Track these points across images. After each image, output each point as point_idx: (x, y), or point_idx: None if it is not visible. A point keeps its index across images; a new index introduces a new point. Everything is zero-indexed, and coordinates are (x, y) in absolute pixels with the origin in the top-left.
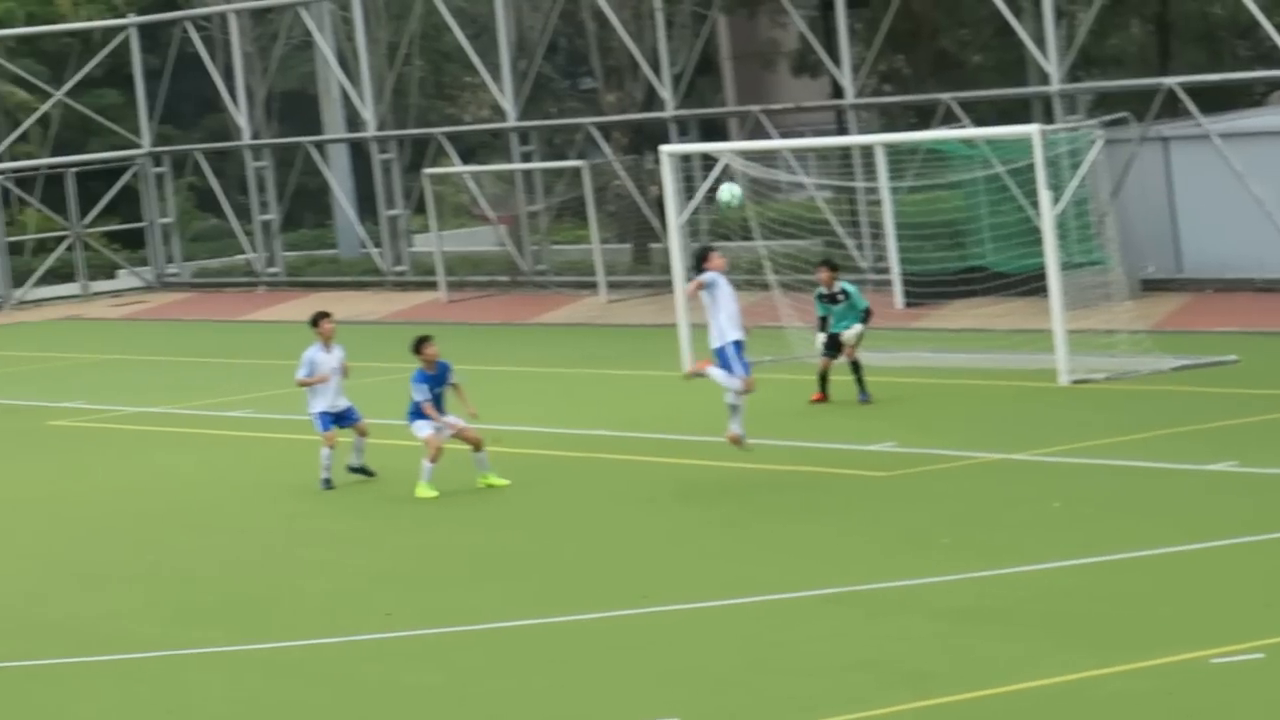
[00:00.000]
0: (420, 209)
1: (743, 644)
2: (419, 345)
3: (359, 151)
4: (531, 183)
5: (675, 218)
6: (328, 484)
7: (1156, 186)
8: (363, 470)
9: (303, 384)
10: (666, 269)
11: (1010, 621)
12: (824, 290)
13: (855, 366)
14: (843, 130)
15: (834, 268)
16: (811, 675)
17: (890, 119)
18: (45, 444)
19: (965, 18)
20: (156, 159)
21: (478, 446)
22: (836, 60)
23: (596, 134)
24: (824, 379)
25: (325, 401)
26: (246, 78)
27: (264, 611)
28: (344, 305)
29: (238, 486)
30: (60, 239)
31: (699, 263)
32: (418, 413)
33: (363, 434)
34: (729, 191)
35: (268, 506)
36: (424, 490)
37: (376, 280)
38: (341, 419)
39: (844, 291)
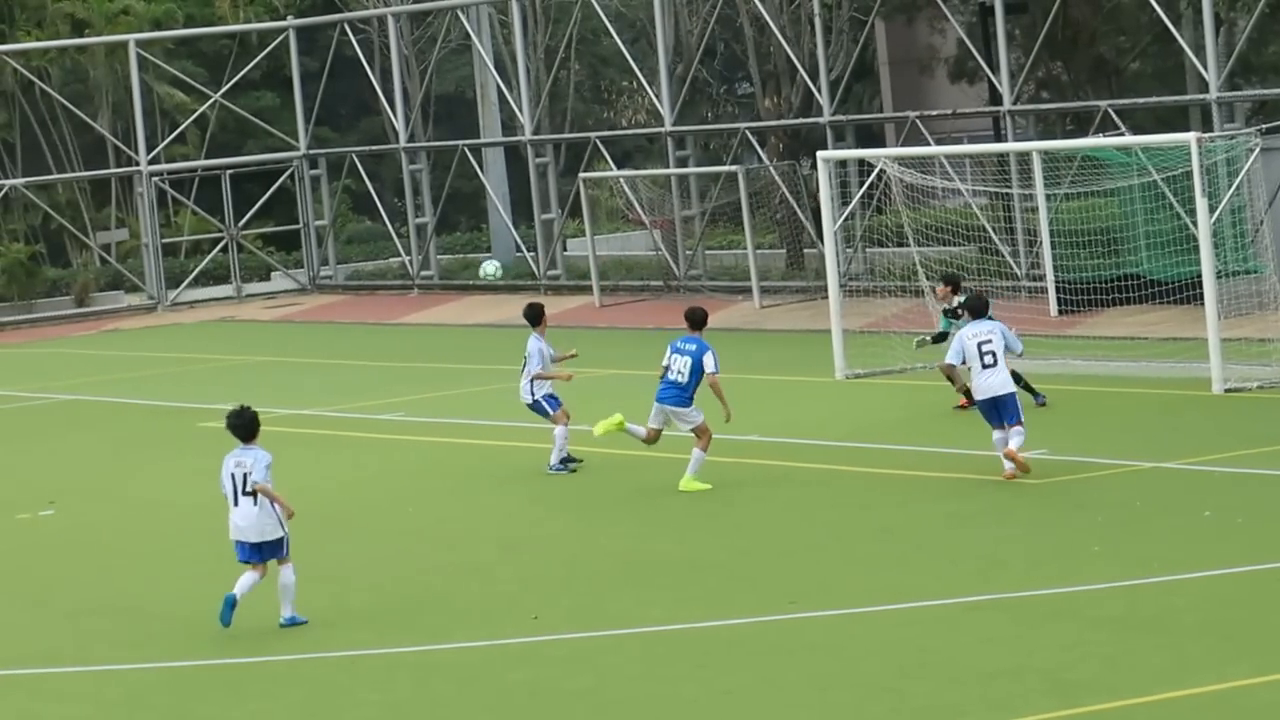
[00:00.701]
0: (575, 213)
1: (890, 650)
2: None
3: (515, 155)
4: (686, 187)
5: (830, 223)
6: (565, 465)
7: None
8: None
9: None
10: (820, 274)
11: (1160, 630)
12: (946, 305)
13: (1015, 377)
14: (1000, 137)
15: (954, 283)
16: (959, 682)
17: (1047, 126)
18: (196, 446)
19: (1124, 25)
20: (312, 161)
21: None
22: (994, 66)
23: (752, 139)
24: (952, 380)
25: (549, 385)
26: (403, 80)
27: (413, 615)
28: (497, 309)
29: (388, 489)
30: (215, 241)
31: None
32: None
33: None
34: (488, 268)
35: (418, 509)
36: (693, 483)
37: (530, 284)
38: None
39: (962, 307)
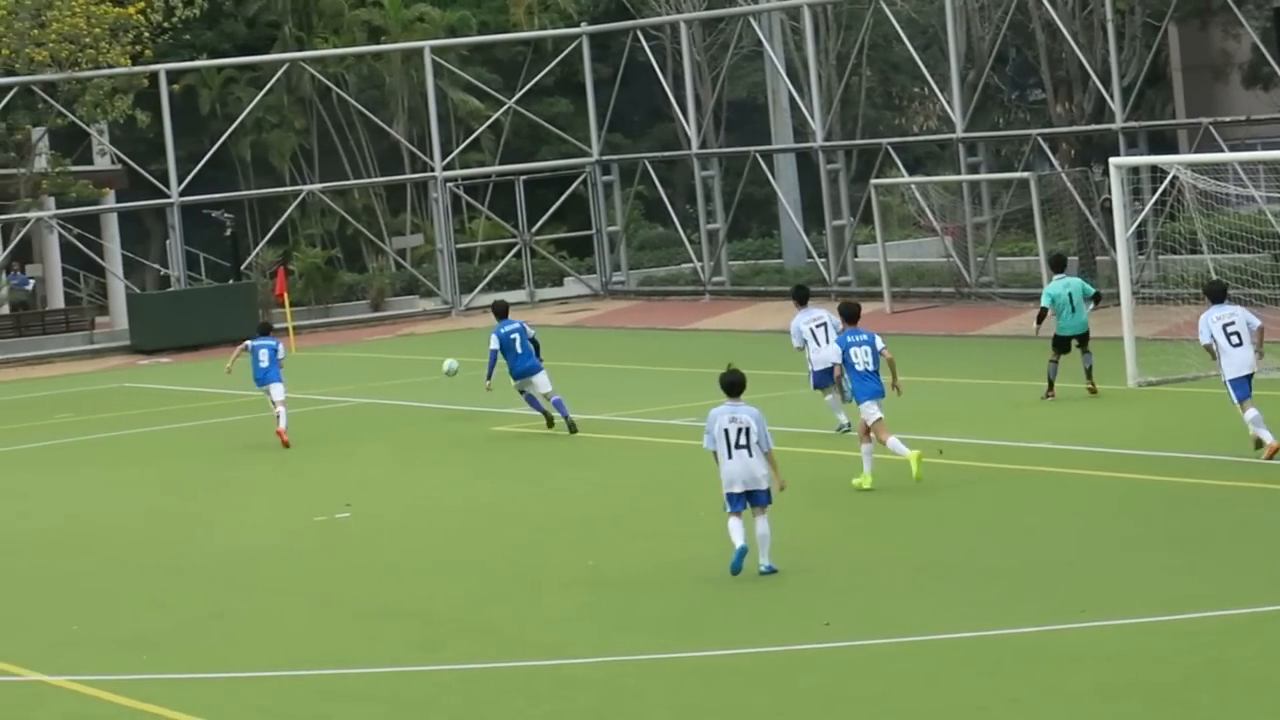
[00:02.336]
0: (866, 219)
1: (1179, 659)
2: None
3: (806, 161)
4: (978, 194)
5: (1122, 230)
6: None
7: None
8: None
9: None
10: (1112, 281)
11: None
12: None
13: None
14: None
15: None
16: (1248, 693)
17: None
18: (489, 450)
19: None
20: (605, 167)
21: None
22: None
23: (1044, 145)
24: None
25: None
26: (695, 87)
27: (703, 618)
28: (788, 315)
29: (677, 493)
30: (508, 246)
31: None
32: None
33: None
34: (449, 367)
35: (705, 514)
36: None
37: (821, 290)
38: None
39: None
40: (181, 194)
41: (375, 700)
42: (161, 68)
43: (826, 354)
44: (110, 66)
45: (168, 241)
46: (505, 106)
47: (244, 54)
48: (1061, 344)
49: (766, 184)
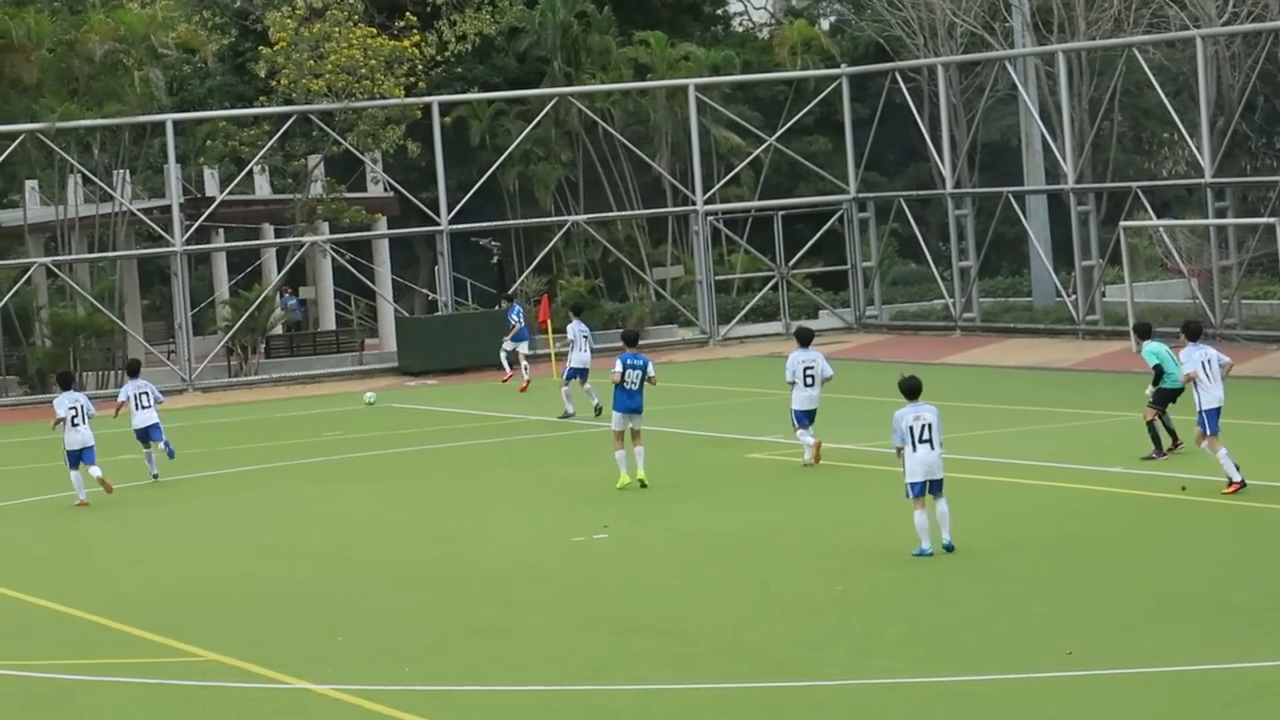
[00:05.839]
0: (1115, 260)
1: None
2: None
3: (1057, 202)
4: (1224, 237)
5: None
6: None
7: None
8: None
9: None
10: None
11: None
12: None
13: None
14: None
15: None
16: None
17: None
18: (744, 475)
19: None
20: (861, 204)
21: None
22: None
23: None
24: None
25: None
26: (951, 128)
27: (947, 643)
28: (1036, 352)
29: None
30: (766, 279)
31: None
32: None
33: None
34: (369, 398)
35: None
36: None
37: (1069, 328)
38: None
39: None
40: (451, 222)
41: (631, 716)
42: (434, 99)
43: (583, 357)
44: (385, 97)
45: (436, 267)
46: (766, 144)
47: (514, 88)
48: (1170, 397)
49: (1018, 224)
